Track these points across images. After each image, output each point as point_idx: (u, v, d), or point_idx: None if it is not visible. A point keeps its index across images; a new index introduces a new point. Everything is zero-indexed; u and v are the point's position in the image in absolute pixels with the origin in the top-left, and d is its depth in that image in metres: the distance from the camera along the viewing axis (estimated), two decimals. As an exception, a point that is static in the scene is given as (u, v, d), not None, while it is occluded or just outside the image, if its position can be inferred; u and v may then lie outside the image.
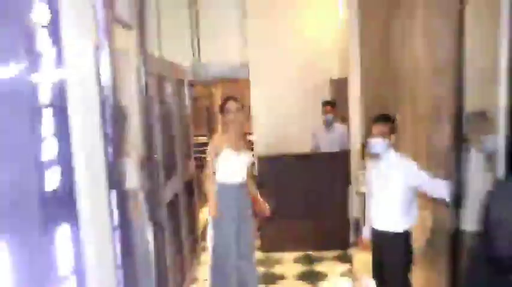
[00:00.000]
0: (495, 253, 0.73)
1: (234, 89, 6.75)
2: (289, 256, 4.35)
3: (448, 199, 2.39)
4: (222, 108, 3.18)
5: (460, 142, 2.17)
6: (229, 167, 3.15)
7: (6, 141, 1.28)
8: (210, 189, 3.15)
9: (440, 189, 2.47)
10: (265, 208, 3.38)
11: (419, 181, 2.59)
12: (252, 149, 3.31)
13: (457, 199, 2.22)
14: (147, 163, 2.31)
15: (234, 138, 3.16)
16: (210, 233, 3.23)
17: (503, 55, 1.91)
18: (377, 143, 2.69)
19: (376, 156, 2.77)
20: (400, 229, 2.67)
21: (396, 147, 2.77)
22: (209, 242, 3.25)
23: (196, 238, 4.30)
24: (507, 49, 1.88)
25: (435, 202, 2.65)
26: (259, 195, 3.41)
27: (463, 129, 2.18)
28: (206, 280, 3.44)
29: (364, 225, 3.06)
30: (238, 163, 3.16)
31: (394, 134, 2.71)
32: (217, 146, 3.15)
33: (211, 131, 7.15)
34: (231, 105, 3.16)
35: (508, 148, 1.92)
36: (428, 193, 2.63)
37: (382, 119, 2.72)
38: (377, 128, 2.69)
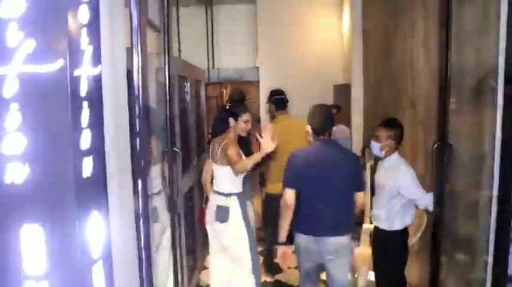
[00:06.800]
0: None
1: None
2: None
3: (431, 210, 2.43)
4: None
5: (445, 145, 2.16)
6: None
7: (50, 129, 1.30)
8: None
9: (425, 202, 2.50)
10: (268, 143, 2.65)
11: (407, 192, 2.57)
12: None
13: (439, 198, 2.23)
14: (168, 155, 2.32)
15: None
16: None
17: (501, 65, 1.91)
18: (375, 146, 2.67)
19: (379, 157, 2.76)
20: (397, 227, 2.65)
21: (401, 152, 2.71)
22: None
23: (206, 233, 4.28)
24: (504, 59, 1.89)
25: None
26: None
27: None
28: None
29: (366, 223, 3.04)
30: None
31: (395, 141, 2.62)
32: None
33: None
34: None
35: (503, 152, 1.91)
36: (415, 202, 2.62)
37: (385, 124, 2.67)
38: (378, 131, 2.66)
